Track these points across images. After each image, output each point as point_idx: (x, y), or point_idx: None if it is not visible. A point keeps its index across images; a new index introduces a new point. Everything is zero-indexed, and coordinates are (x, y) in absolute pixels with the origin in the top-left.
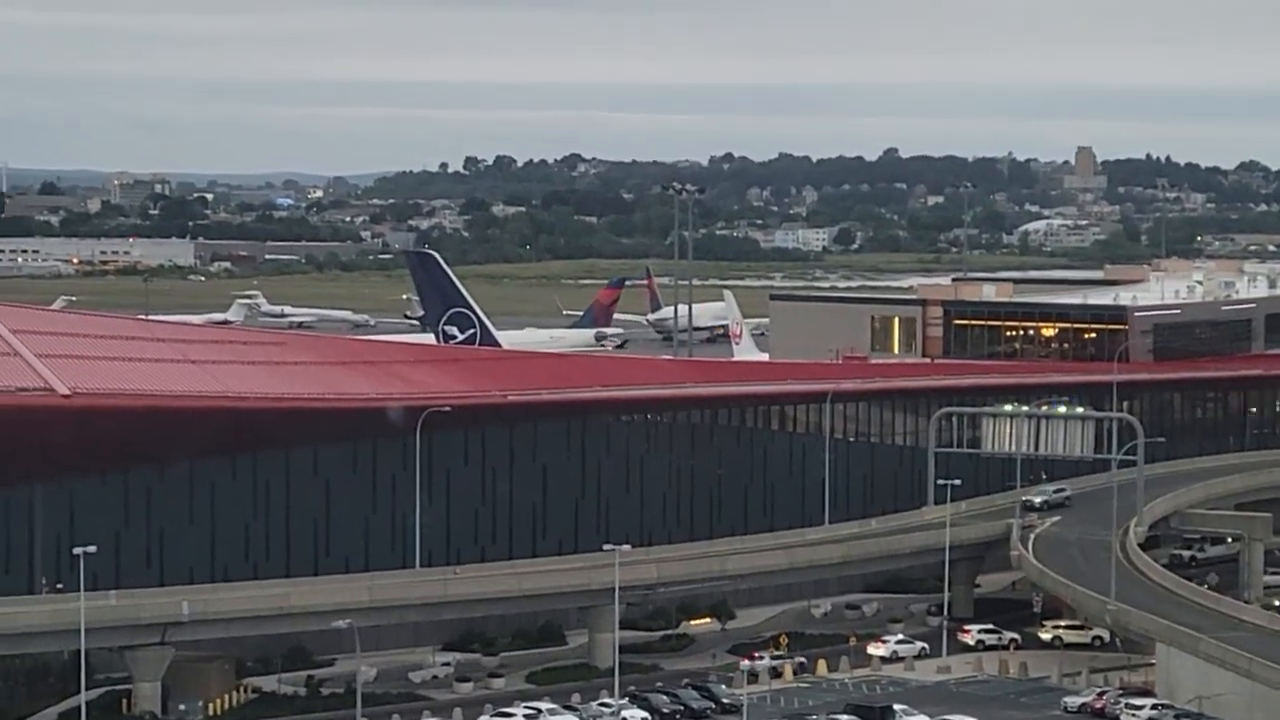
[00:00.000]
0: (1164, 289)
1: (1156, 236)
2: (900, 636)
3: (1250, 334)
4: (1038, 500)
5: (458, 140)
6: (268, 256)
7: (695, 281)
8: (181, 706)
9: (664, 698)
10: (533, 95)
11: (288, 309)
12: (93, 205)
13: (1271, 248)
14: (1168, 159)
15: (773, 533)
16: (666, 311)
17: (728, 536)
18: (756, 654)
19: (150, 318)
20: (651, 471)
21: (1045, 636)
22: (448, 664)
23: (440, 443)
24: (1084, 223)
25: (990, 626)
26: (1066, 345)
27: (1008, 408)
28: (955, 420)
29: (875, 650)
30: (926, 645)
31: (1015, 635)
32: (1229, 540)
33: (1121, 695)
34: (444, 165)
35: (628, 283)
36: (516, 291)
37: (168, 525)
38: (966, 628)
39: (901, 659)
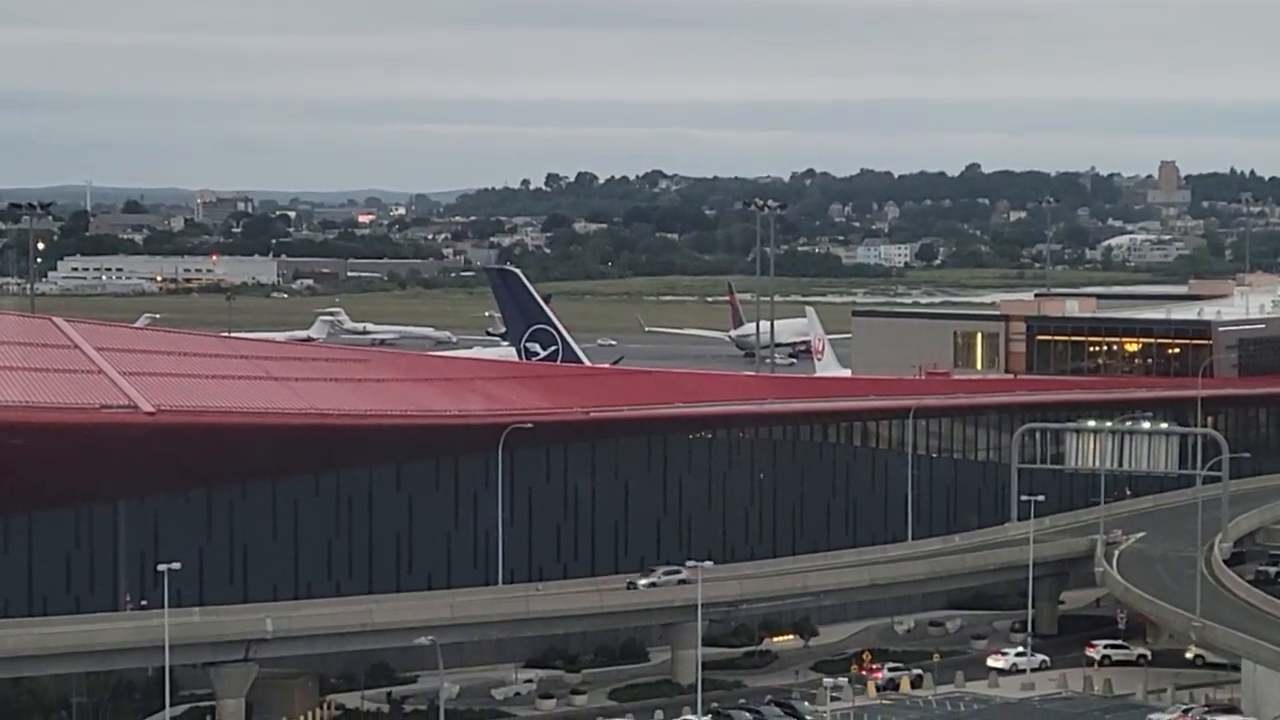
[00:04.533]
0: (1249, 304)
1: (1241, 251)
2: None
3: None
4: (642, 583)
5: (539, 157)
6: (350, 274)
7: (777, 298)
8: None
9: (747, 715)
10: (615, 113)
11: (370, 326)
12: (176, 223)
13: None
14: (1252, 173)
15: (855, 549)
16: (748, 327)
17: (810, 553)
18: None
19: (233, 335)
20: (734, 488)
21: (1189, 655)
22: (530, 681)
23: (522, 459)
24: (1167, 238)
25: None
26: (1150, 361)
27: (1091, 423)
28: (1038, 436)
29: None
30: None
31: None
32: None
33: (1207, 712)
34: (526, 182)
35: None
36: (598, 308)
37: (251, 542)
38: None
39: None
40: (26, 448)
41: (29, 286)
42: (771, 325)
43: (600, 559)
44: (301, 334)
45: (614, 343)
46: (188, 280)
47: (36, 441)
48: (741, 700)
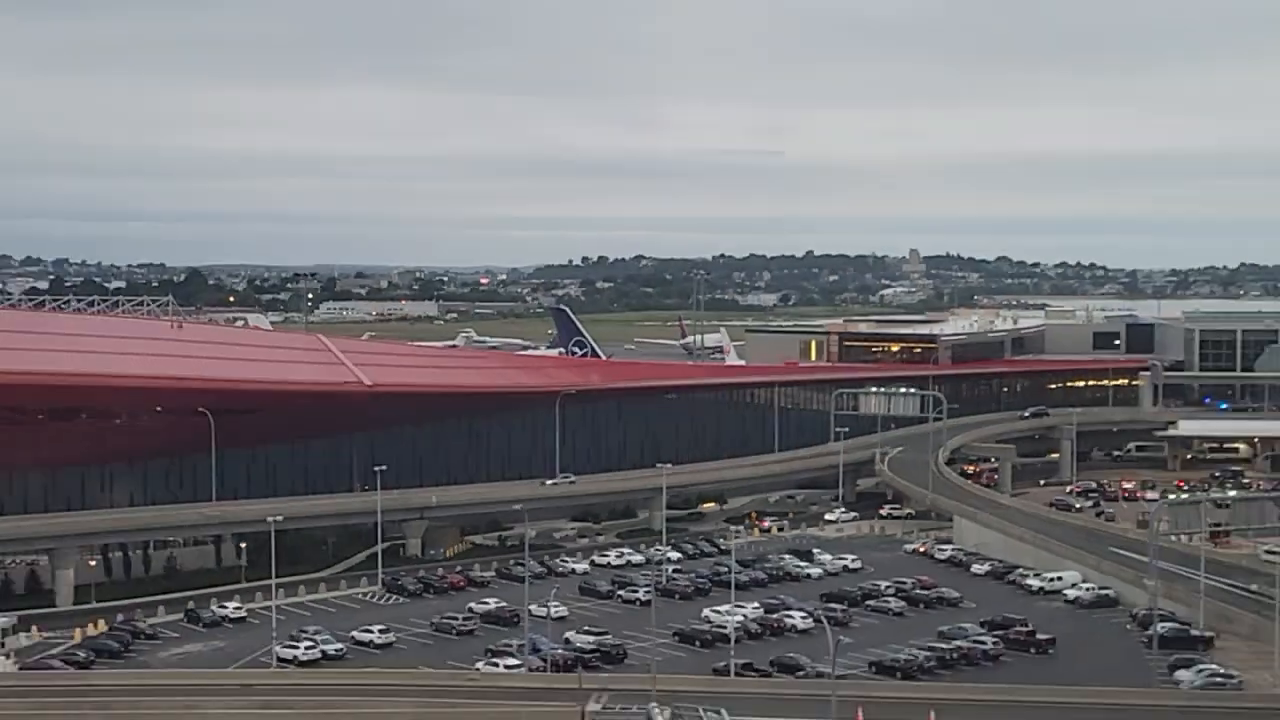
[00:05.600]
0: (957, 325)
1: (953, 298)
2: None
3: (1002, 349)
4: (549, 483)
5: (582, 246)
6: (477, 310)
7: (704, 323)
8: (432, 551)
9: (689, 545)
10: (620, 226)
11: (488, 339)
12: (382, 283)
13: (1013, 302)
14: (958, 254)
15: (748, 457)
16: (689, 340)
17: (724, 459)
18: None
19: (413, 344)
20: (684, 425)
21: (894, 512)
22: (573, 529)
23: (571, 409)
24: (914, 290)
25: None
26: (906, 355)
27: (874, 389)
28: (845, 396)
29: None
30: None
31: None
32: (993, 459)
33: (936, 543)
34: (570, 260)
35: (669, 323)
36: (608, 329)
37: (425, 453)
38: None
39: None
40: (307, 407)
41: (305, 319)
42: (701, 338)
43: (616, 463)
44: (449, 343)
45: (632, 347)
46: (389, 314)
47: (311, 402)
48: (686, 538)
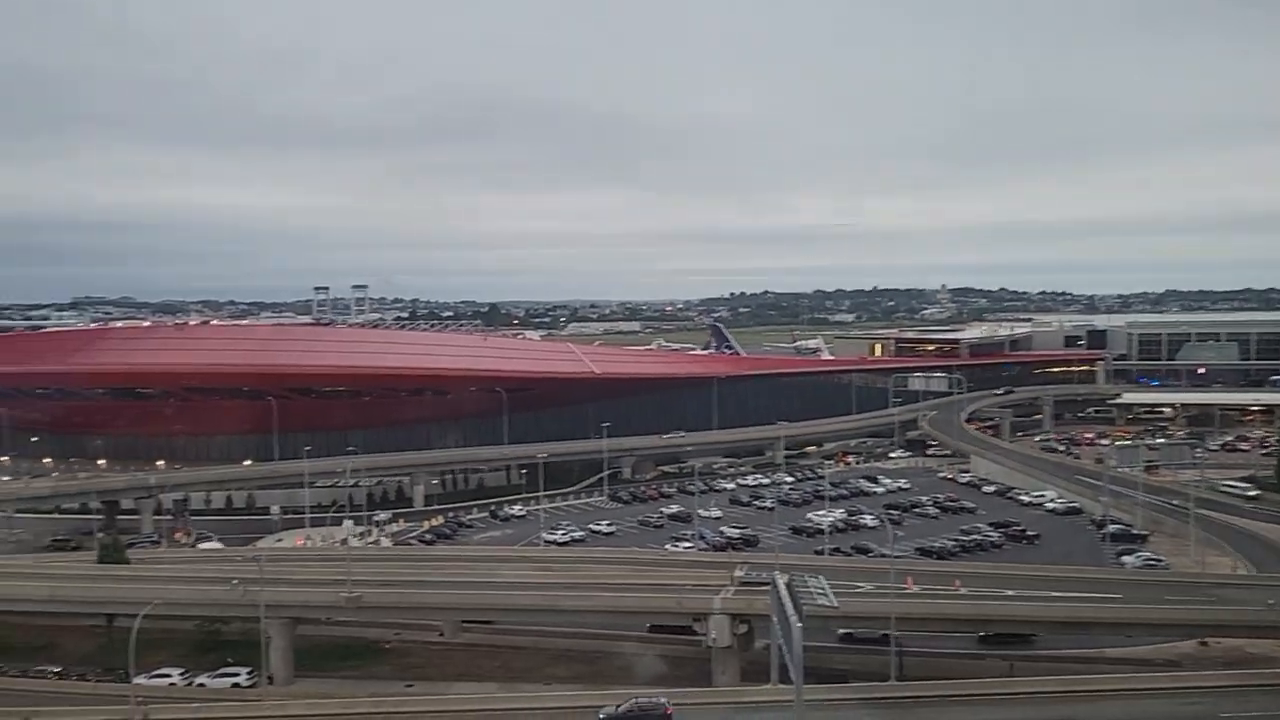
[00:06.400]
0: (974, 333)
1: (969, 315)
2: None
3: (1003, 347)
4: (667, 436)
5: (730, 285)
6: (664, 326)
7: (806, 332)
8: (637, 475)
9: (798, 473)
10: (761, 272)
11: (672, 345)
12: (606, 310)
13: (1010, 318)
14: (973, 286)
15: (835, 417)
16: (798, 344)
17: (821, 418)
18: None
19: (624, 348)
20: (796, 396)
21: (932, 454)
22: (725, 462)
23: (723, 387)
24: (943, 311)
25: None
26: (941, 352)
27: (917, 374)
28: (899, 378)
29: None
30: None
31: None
32: (996, 419)
33: (959, 473)
34: (723, 294)
35: (795, 332)
36: (747, 338)
37: (633, 415)
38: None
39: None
40: (560, 386)
41: (559, 333)
42: (807, 342)
43: (747, 422)
44: (648, 347)
45: (768, 348)
46: (611, 330)
47: (562, 383)
48: (797, 468)
